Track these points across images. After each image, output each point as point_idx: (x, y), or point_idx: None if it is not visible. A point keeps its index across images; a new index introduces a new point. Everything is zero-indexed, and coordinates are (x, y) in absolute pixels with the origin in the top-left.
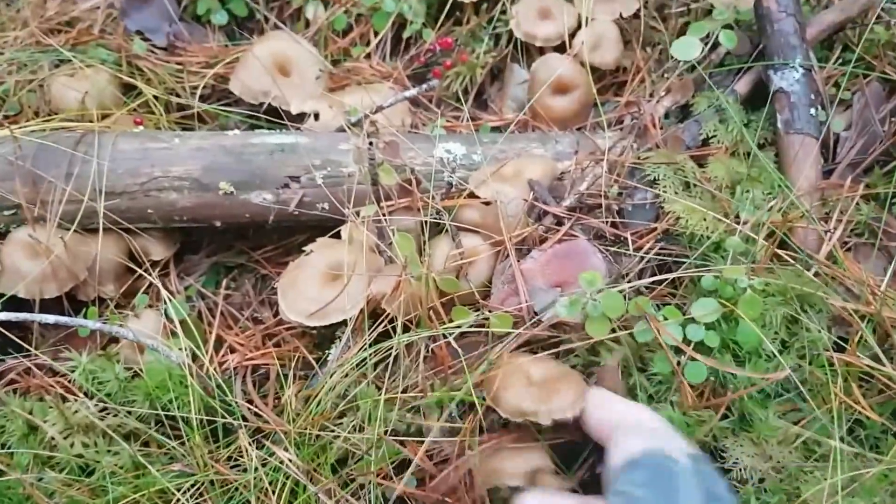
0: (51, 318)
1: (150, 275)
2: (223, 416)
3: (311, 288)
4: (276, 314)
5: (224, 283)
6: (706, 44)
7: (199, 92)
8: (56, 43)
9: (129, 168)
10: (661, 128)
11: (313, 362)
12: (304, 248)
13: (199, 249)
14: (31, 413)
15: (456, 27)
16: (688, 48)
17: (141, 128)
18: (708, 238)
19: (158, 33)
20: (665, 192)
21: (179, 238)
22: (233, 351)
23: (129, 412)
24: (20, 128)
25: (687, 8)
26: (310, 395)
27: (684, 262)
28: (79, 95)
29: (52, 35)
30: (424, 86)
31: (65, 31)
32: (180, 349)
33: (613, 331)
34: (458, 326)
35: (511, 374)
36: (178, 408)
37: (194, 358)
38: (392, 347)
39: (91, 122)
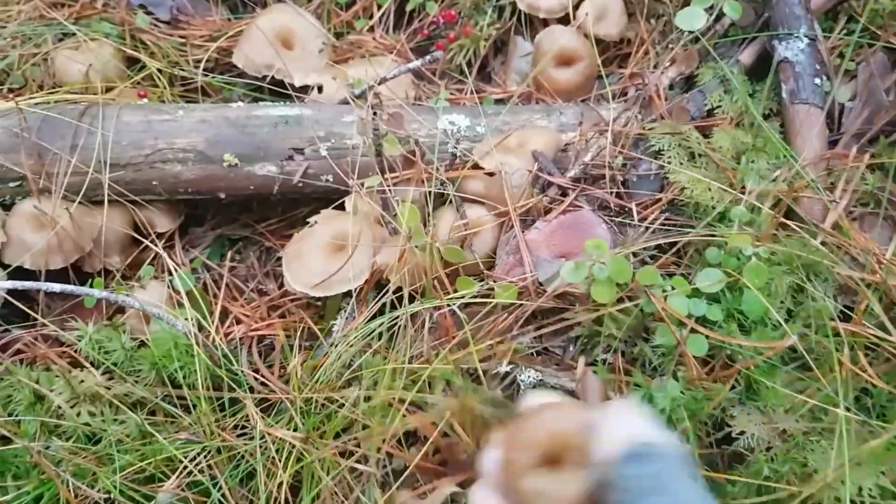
0: (56, 287)
1: (155, 246)
2: (229, 386)
3: (315, 259)
4: (281, 286)
5: (229, 255)
6: (710, 14)
7: (202, 65)
8: (60, 17)
9: (134, 140)
10: (666, 99)
11: (318, 333)
12: (308, 220)
13: (204, 222)
14: (37, 382)
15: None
16: (692, 18)
17: (145, 100)
18: (713, 208)
19: (162, 7)
20: (670, 162)
21: (184, 210)
22: (238, 322)
23: (136, 381)
24: (25, 100)
25: None
26: (315, 364)
27: (689, 232)
28: (83, 68)
29: (55, 9)
30: (428, 57)
31: (69, 4)
32: (186, 319)
33: (619, 301)
34: (463, 297)
35: None
36: (185, 377)
37: (200, 328)
38: (397, 317)
39: (95, 94)
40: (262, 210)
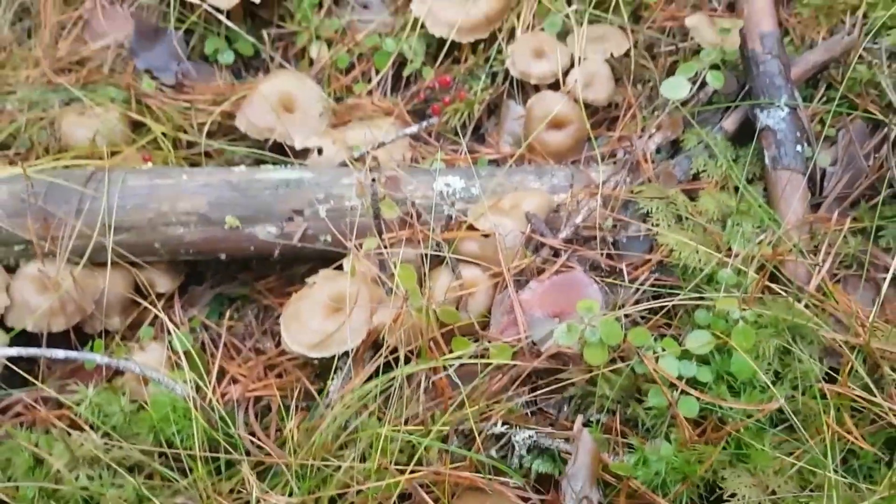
0: (60, 353)
1: (155, 307)
2: (226, 450)
3: (313, 319)
4: (279, 344)
5: (227, 314)
6: (694, 83)
7: (206, 129)
8: (67, 82)
9: (138, 204)
10: (653, 162)
11: (315, 393)
12: (306, 280)
13: (204, 280)
14: (37, 446)
15: (454, 66)
16: (677, 88)
17: (150, 164)
18: (701, 270)
19: (167, 72)
20: (658, 225)
21: (185, 270)
22: (235, 382)
23: (134, 444)
24: (32, 165)
25: (675, 47)
26: (312, 426)
27: (679, 293)
28: (88, 133)
29: (62, 74)
30: (424, 123)
31: (75, 70)
32: (185, 381)
33: (612, 361)
34: (459, 357)
35: None
36: (182, 440)
37: (197, 389)
38: (393, 379)
39: (101, 159)
40: (260, 268)
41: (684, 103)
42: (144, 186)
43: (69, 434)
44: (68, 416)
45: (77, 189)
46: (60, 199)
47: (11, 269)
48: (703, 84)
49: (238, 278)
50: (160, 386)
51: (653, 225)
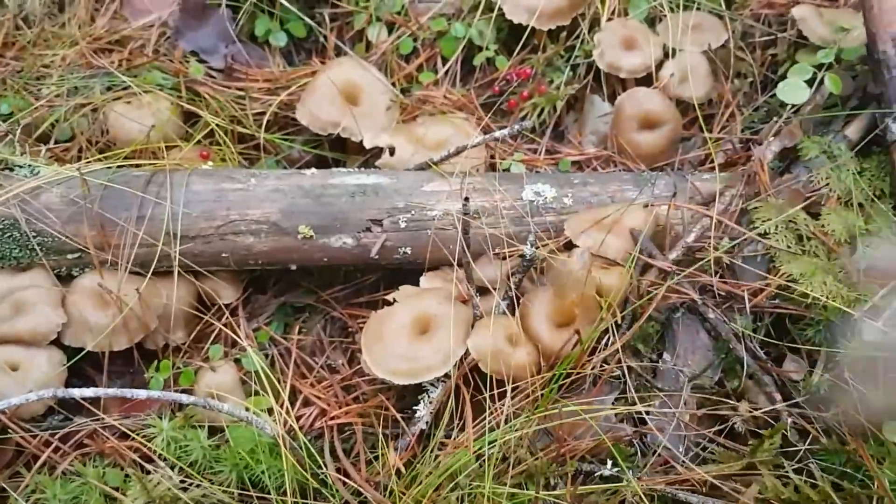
0: (142, 394)
1: (220, 321)
2: (316, 491)
3: (398, 343)
4: (351, 359)
5: (296, 327)
6: (810, 85)
7: (264, 121)
8: (108, 64)
9: (205, 210)
10: (769, 173)
11: (401, 420)
12: (386, 298)
13: (267, 289)
14: (105, 481)
15: (531, 55)
16: (794, 91)
17: (210, 163)
18: (827, 303)
19: (215, 55)
20: (777, 245)
21: (247, 278)
22: (308, 404)
23: (212, 482)
24: (85, 165)
25: (774, 38)
26: (416, 472)
27: (802, 323)
28: (139, 126)
29: (102, 55)
30: (516, 126)
31: (116, 50)
32: (267, 414)
33: None
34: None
35: None
36: (269, 479)
37: (270, 412)
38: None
39: (154, 153)
40: (324, 275)
41: (797, 107)
42: (211, 191)
43: (142, 468)
44: (137, 447)
45: (137, 194)
46: (119, 204)
47: (63, 278)
48: (819, 86)
49: (301, 286)
50: (249, 425)
51: (773, 246)
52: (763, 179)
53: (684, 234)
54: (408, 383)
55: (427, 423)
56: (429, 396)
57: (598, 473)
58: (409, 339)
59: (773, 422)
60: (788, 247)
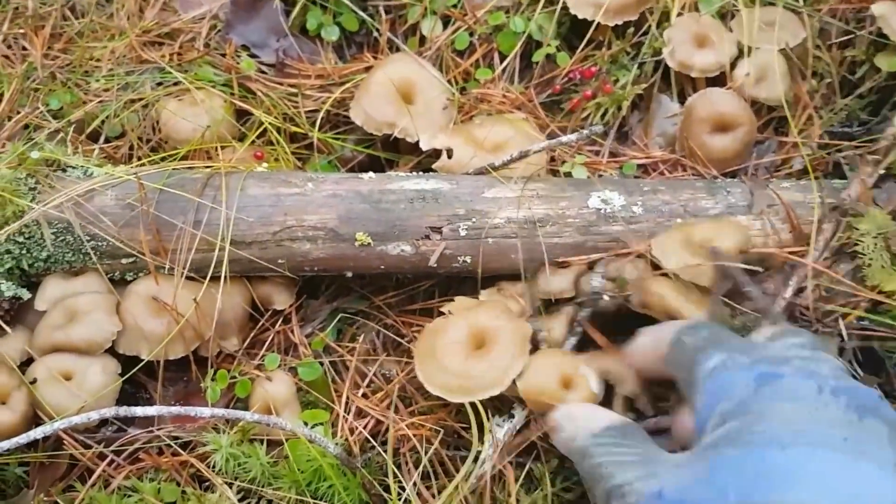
0: (206, 412)
1: (274, 327)
2: None
3: (452, 358)
4: (404, 369)
5: (348, 333)
6: None
7: (318, 119)
8: (157, 58)
9: (261, 216)
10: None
11: (465, 434)
12: (442, 310)
13: (319, 294)
14: (162, 498)
15: (595, 52)
16: None
17: (264, 164)
18: None
19: (266, 49)
20: (870, 263)
21: (299, 282)
22: (362, 415)
23: (271, 502)
24: (137, 166)
25: (852, 36)
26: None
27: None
28: (192, 125)
29: (151, 48)
30: (585, 132)
31: (166, 43)
32: (335, 442)
33: None
34: None
35: None
36: (332, 498)
37: (334, 424)
38: None
39: (208, 153)
40: (377, 280)
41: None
42: (268, 195)
43: (200, 486)
44: (193, 462)
45: (194, 199)
46: (175, 208)
47: (116, 282)
48: None
49: (355, 291)
50: (313, 444)
51: (867, 262)
52: (864, 196)
53: (790, 277)
54: (463, 401)
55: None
56: (506, 421)
57: None
58: (463, 355)
59: None
60: (882, 266)
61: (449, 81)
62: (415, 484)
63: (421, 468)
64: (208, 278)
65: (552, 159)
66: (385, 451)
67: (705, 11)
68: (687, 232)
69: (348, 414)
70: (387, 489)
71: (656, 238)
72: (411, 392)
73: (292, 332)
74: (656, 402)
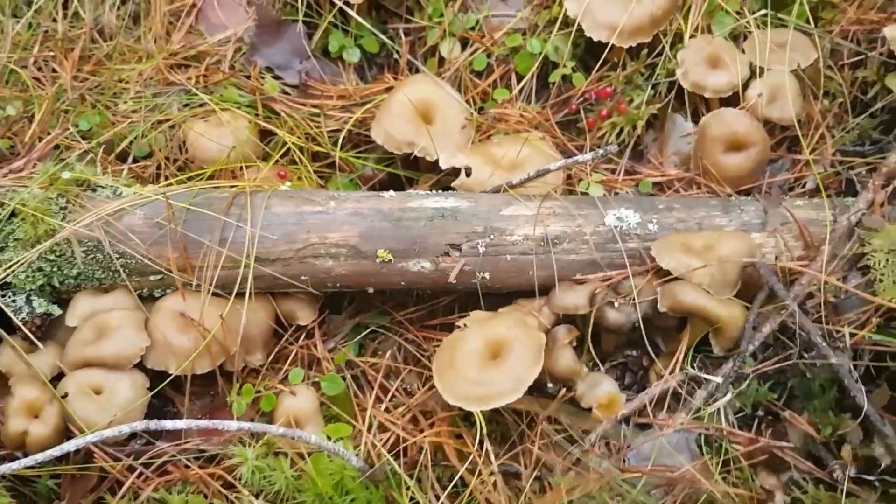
0: (233, 426)
1: (298, 342)
2: None
3: (469, 368)
4: (426, 382)
5: (370, 348)
6: None
7: (340, 139)
8: (184, 80)
9: (285, 233)
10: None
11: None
12: (457, 323)
13: (341, 309)
14: None
15: (610, 73)
16: None
17: (288, 183)
18: None
19: (290, 70)
20: (882, 278)
21: (322, 298)
22: (383, 430)
23: None
24: (165, 186)
25: (864, 57)
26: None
27: None
28: (218, 146)
29: (178, 70)
30: (601, 151)
31: (193, 66)
32: (356, 454)
33: None
34: None
35: None
36: None
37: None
38: None
39: (234, 173)
40: (398, 296)
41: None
42: (291, 214)
43: (226, 499)
44: (219, 474)
45: (220, 217)
46: (202, 226)
47: (145, 299)
48: None
49: (376, 306)
50: (335, 456)
51: (879, 278)
52: (882, 208)
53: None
54: (481, 409)
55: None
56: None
57: None
58: (480, 365)
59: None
60: (894, 281)
61: (467, 101)
62: (437, 497)
63: (433, 479)
64: (234, 295)
65: (569, 178)
66: (405, 465)
67: (718, 33)
68: (686, 238)
69: (371, 428)
70: (411, 500)
71: (656, 242)
72: (432, 406)
73: (315, 346)
74: None
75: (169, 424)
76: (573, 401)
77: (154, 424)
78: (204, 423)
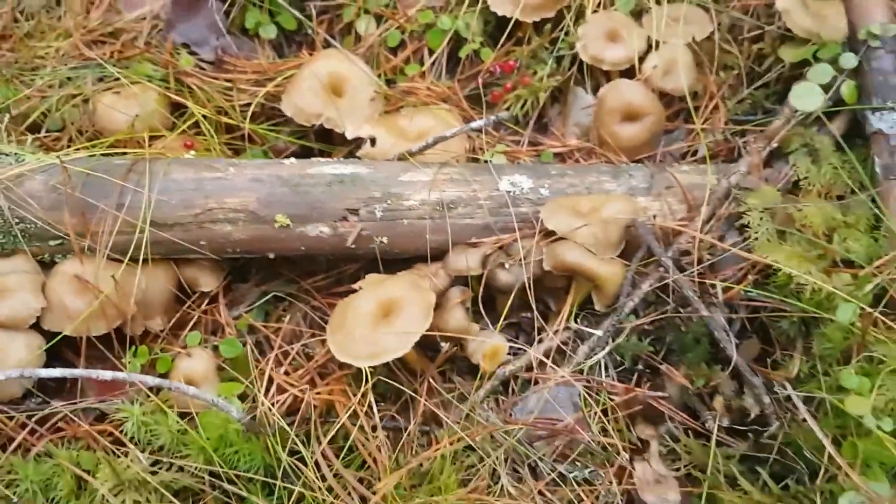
0: (107, 374)
1: (198, 309)
2: (284, 477)
3: (360, 327)
4: (326, 346)
5: (274, 315)
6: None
7: (249, 112)
8: (99, 56)
9: (183, 199)
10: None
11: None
12: (354, 286)
13: (249, 277)
14: (78, 465)
15: (516, 47)
16: (808, 97)
17: (192, 153)
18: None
19: (206, 46)
20: (756, 238)
21: (228, 266)
22: (282, 391)
23: (184, 465)
24: (68, 154)
25: (762, 30)
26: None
27: (780, 318)
28: (125, 116)
29: (95, 47)
30: (493, 118)
31: (108, 42)
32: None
33: None
34: None
35: None
36: (238, 462)
37: (243, 398)
38: None
39: (140, 143)
40: (306, 264)
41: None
42: (190, 180)
43: (114, 454)
44: (110, 431)
45: (117, 182)
46: (99, 191)
47: (45, 265)
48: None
49: (284, 275)
50: (218, 410)
51: (754, 236)
52: (760, 171)
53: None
54: (371, 365)
55: None
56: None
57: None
58: (371, 324)
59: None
60: (768, 240)
61: (381, 76)
62: (323, 453)
63: (320, 433)
64: (128, 256)
65: (474, 150)
66: (298, 422)
67: (619, 8)
68: (574, 201)
69: (269, 389)
70: (293, 454)
71: (545, 205)
72: (332, 368)
73: (219, 313)
74: None
75: (44, 373)
76: (466, 360)
77: (28, 372)
78: (78, 371)
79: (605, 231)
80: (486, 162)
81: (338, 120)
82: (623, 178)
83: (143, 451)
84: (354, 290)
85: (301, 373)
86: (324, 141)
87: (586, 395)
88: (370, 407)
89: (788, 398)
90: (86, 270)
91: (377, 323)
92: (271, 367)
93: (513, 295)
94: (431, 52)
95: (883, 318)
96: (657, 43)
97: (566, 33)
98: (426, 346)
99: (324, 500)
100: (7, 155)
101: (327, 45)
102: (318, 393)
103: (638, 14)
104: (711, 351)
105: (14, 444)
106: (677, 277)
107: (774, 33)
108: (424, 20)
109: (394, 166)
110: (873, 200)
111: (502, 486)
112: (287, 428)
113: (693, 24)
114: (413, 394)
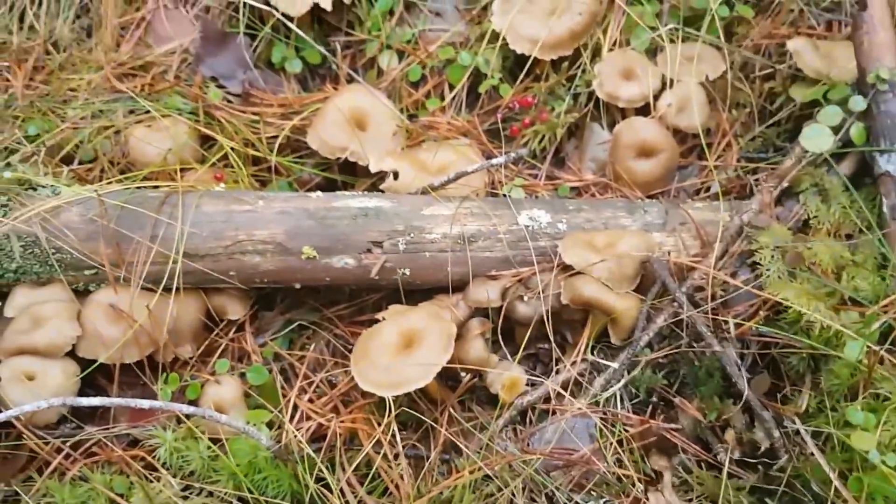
0: (145, 404)
1: (226, 337)
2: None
3: (383, 357)
4: (350, 374)
5: (299, 343)
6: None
7: (276, 144)
8: (130, 88)
9: (214, 231)
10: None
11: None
12: (377, 316)
13: (274, 305)
14: (112, 489)
15: (534, 84)
16: (819, 139)
17: (222, 185)
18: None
19: (233, 80)
20: (768, 274)
21: (254, 295)
22: (307, 418)
23: (211, 493)
24: (103, 186)
25: (773, 69)
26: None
27: (790, 354)
28: (157, 148)
29: (125, 80)
30: (513, 154)
31: (139, 75)
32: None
33: None
34: None
35: None
36: (266, 488)
37: (269, 425)
38: None
39: (171, 175)
40: (330, 294)
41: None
42: (220, 212)
43: (147, 479)
44: (143, 455)
45: (151, 214)
46: (134, 223)
47: (80, 293)
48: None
49: (308, 303)
50: (247, 437)
51: (765, 274)
52: (771, 209)
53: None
54: (392, 395)
55: None
56: None
57: None
58: (393, 354)
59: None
60: (779, 277)
61: (403, 110)
62: (348, 480)
63: (344, 460)
64: (161, 286)
65: (493, 183)
66: (324, 449)
67: (634, 46)
68: (591, 236)
69: (294, 416)
70: (319, 481)
71: (563, 239)
72: (354, 397)
73: (245, 340)
74: None
75: (84, 401)
76: (486, 390)
77: (70, 401)
78: (118, 400)
79: (621, 266)
80: (504, 196)
81: (361, 153)
82: (638, 214)
83: (174, 476)
84: (377, 320)
85: (325, 400)
86: (347, 173)
87: (602, 427)
88: (393, 436)
89: (797, 432)
90: (120, 300)
91: (399, 353)
92: (296, 395)
93: (531, 327)
94: (452, 88)
95: (889, 357)
96: (671, 81)
97: (583, 71)
98: (446, 375)
99: None
100: (44, 187)
101: (351, 79)
102: (342, 421)
103: (653, 53)
104: (724, 385)
105: (50, 468)
106: (691, 313)
107: (786, 73)
108: (445, 56)
109: (416, 200)
110: (881, 240)
111: None
112: (314, 455)
113: (706, 63)
114: (433, 423)
